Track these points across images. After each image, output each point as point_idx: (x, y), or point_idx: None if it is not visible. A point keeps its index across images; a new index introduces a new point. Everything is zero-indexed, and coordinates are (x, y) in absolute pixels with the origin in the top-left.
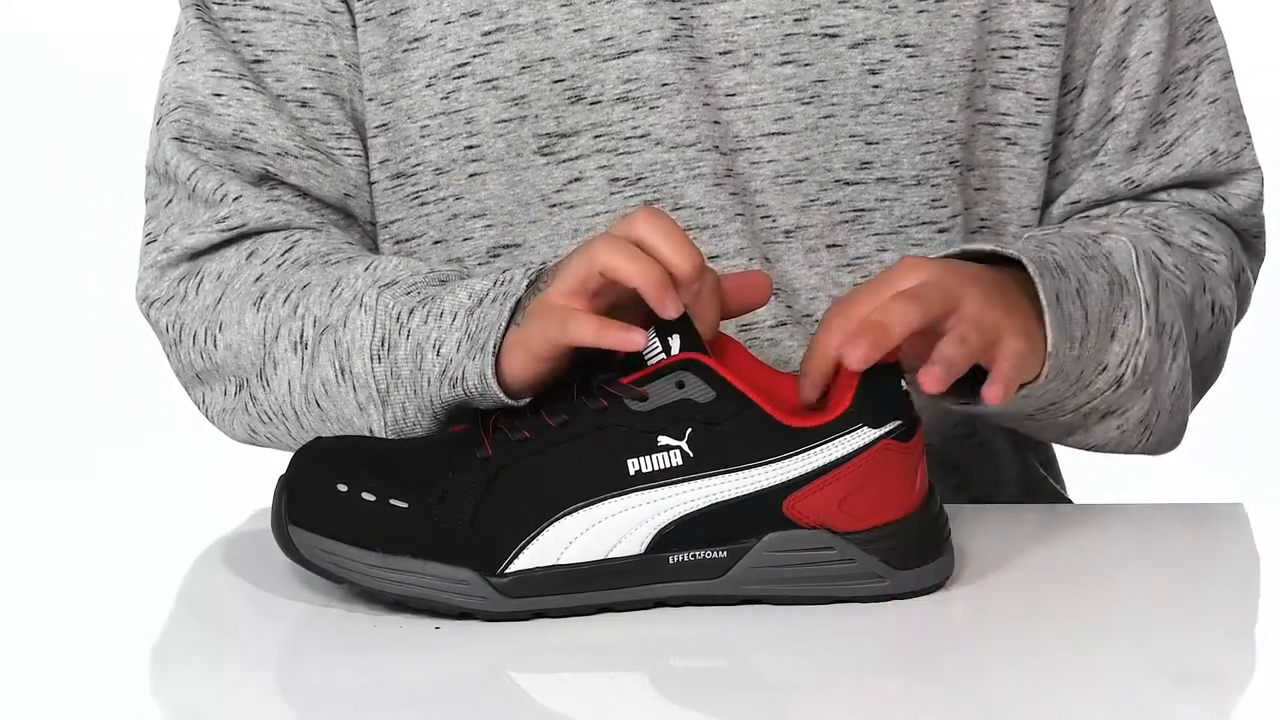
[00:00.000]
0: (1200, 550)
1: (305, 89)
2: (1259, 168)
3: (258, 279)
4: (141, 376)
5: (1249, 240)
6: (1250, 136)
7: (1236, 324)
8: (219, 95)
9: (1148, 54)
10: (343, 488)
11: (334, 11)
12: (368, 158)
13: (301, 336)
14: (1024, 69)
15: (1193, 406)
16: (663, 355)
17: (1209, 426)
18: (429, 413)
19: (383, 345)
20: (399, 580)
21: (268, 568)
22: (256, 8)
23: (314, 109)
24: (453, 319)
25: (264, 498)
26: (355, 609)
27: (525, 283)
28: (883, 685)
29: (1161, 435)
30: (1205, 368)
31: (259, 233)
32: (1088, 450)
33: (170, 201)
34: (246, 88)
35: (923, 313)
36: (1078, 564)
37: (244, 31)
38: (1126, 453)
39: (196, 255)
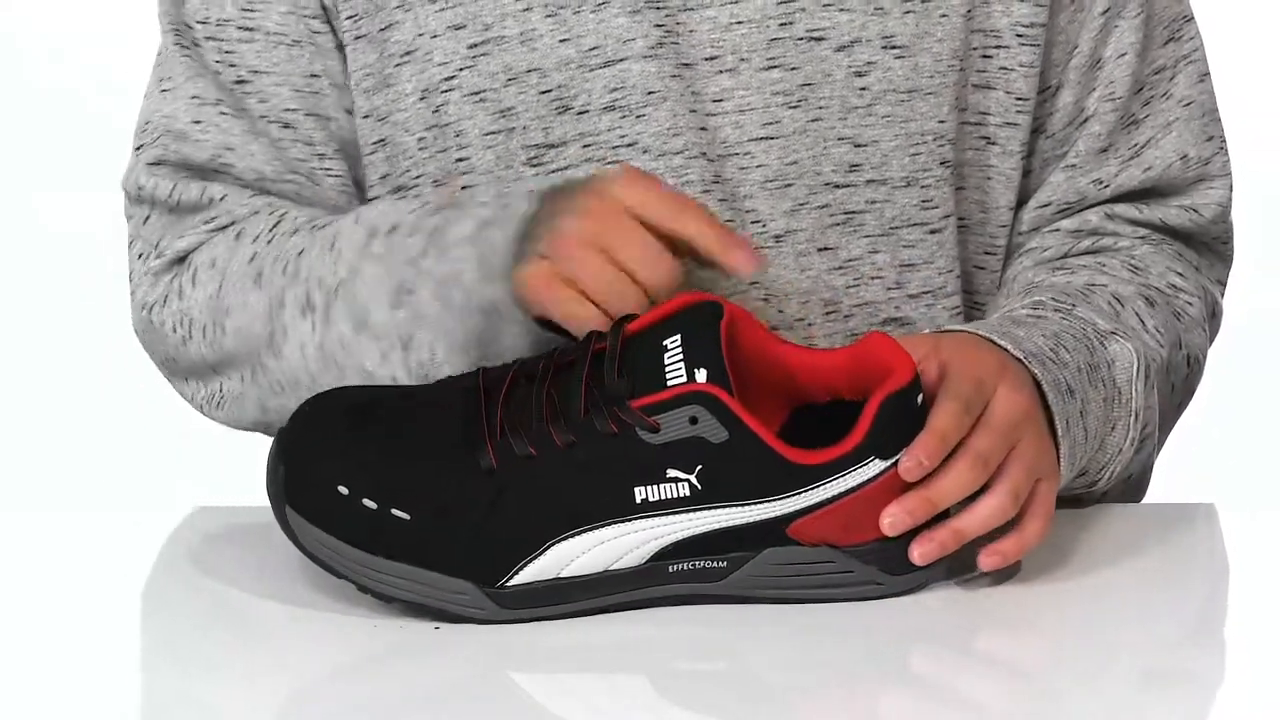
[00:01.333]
0: (1180, 550)
1: (288, 110)
2: (1229, 174)
3: (252, 259)
4: (140, 376)
5: (1218, 248)
6: (1224, 140)
7: (1211, 342)
8: (198, 122)
9: (1123, 55)
10: (344, 490)
11: (316, 33)
12: (352, 178)
13: (308, 300)
14: (1005, 68)
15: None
16: (683, 380)
17: (1192, 428)
18: (459, 350)
19: (399, 291)
20: (396, 585)
21: (267, 567)
22: (240, 28)
23: (296, 130)
24: (459, 248)
25: (263, 497)
26: (355, 609)
27: (527, 207)
28: (880, 684)
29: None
30: (1181, 409)
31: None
32: None
33: (148, 219)
34: (224, 113)
35: (984, 478)
36: (1059, 563)
37: (227, 52)
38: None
39: (184, 255)
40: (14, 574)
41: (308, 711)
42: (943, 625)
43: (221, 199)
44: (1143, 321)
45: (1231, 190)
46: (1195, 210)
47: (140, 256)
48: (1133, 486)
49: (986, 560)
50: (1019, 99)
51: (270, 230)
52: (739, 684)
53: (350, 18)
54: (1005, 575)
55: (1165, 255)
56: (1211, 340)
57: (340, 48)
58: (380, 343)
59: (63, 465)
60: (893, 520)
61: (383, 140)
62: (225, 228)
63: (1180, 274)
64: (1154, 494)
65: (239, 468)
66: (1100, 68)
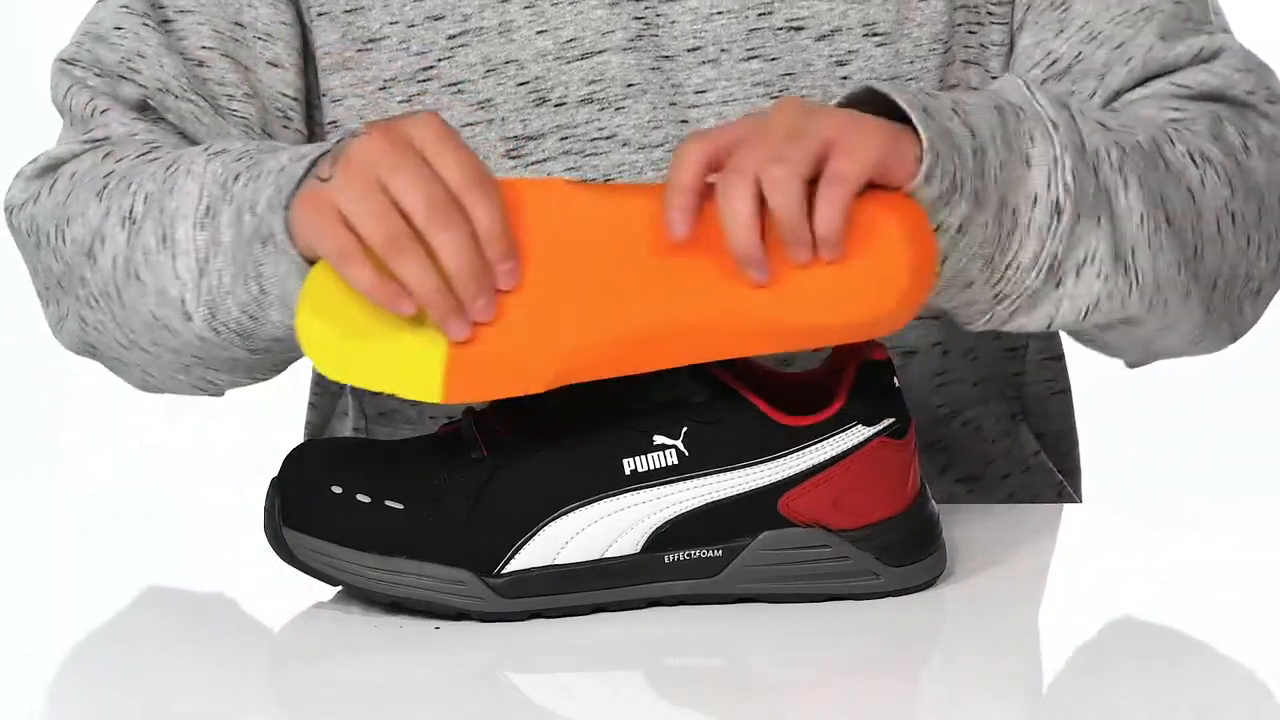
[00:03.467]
0: (1186, 551)
1: (205, 48)
2: (1236, 42)
3: (107, 174)
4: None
5: (1264, 108)
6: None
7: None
8: (119, 28)
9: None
10: (337, 489)
11: None
12: (260, 127)
13: (130, 212)
14: (983, 45)
15: (1223, 281)
16: None
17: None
18: (243, 278)
19: (207, 213)
20: (395, 582)
21: (265, 568)
22: None
23: (210, 69)
24: (268, 177)
25: (260, 496)
26: (353, 610)
27: (342, 140)
28: (877, 683)
29: (1160, 325)
30: (1223, 233)
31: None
32: (1103, 343)
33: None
34: (147, 24)
35: (754, 188)
36: (1065, 561)
37: None
38: (1127, 355)
39: (59, 163)
40: (7, 578)
41: (308, 712)
42: (940, 624)
43: (104, 112)
44: (1082, 111)
45: (1251, 54)
46: (1208, 65)
47: (31, 160)
48: (1177, 290)
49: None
50: (993, 78)
51: (138, 156)
52: (737, 683)
53: None
54: (1009, 573)
55: (1170, 107)
56: (1258, 198)
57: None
58: (179, 261)
59: (54, 464)
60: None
61: (335, 122)
62: (99, 143)
63: (1176, 109)
64: (1156, 495)
65: (234, 467)
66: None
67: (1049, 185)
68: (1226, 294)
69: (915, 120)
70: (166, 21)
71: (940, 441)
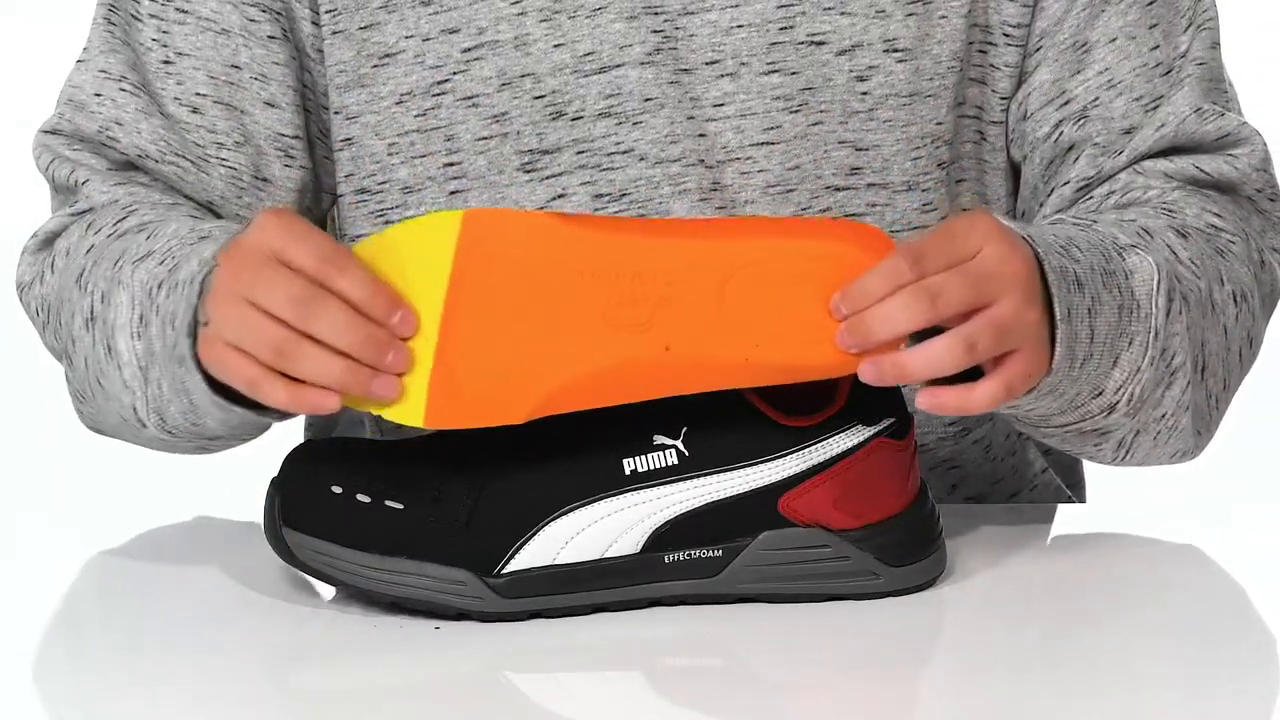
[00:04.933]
0: (1183, 551)
1: (199, 95)
2: (1260, 134)
3: (88, 250)
4: None
5: (1264, 205)
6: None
7: (1269, 311)
8: (98, 95)
9: (1113, 40)
10: (337, 489)
11: (252, 20)
12: (253, 174)
13: (91, 313)
14: (993, 65)
15: (1228, 400)
16: None
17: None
18: (175, 390)
19: (141, 321)
20: (395, 581)
21: (265, 568)
22: (178, 9)
23: (203, 115)
24: (182, 290)
25: (260, 496)
26: (352, 610)
27: (210, 257)
28: (876, 683)
29: (1144, 456)
30: (1243, 359)
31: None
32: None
33: (50, 194)
34: (124, 90)
35: (929, 312)
36: (1066, 561)
37: (164, 31)
38: (1103, 463)
39: (55, 237)
40: (7, 578)
41: (308, 712)
42: (940, 624)
43: (84, 183)
44: (1175, 252)
45: (1267, 148)
46: (1233, 157)
47: (33, 235)
48: (1163, 453)
49: (920, 399)
50: (1002, 98)
51: (114, 224)
52: (737, 683)
53: (329, 12)
54: (1009, 573)
55: (1201, 198)
56: (1269, 308)
57: (286, 37)
58: (124, 371)
59: (53, 464)
60: (839, 339)
61: (350, 139)
62: (84, 214)
63: (1218, 214)
64: (1152, 495)
65: (233, 467)
66: (1088, 50)
67: (1119, 389)
68: (1223, 408)
69: (1056, 352)
70: (167, 63)
71: (951, 460)
